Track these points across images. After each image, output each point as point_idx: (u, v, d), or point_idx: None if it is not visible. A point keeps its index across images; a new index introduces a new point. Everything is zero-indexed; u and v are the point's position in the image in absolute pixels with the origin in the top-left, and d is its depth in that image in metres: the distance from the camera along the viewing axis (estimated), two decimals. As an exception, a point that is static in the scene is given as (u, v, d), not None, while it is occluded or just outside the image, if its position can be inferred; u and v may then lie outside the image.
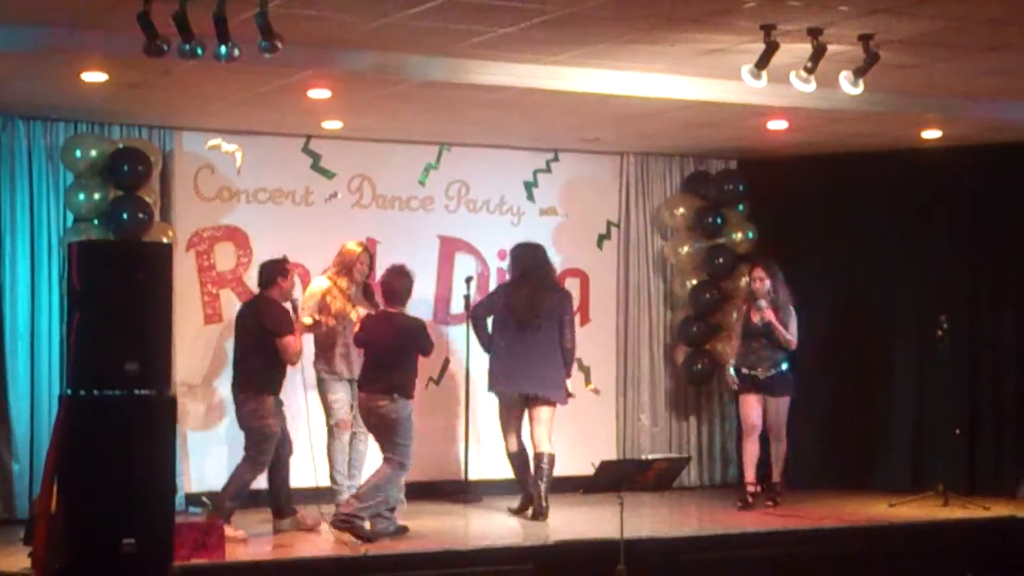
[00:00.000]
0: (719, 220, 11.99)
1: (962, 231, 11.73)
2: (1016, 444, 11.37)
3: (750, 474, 10.82)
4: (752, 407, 10.85)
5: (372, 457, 9.92)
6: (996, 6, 7.53)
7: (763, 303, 10.74)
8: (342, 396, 10.00)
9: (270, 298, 9.65)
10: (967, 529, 10.17)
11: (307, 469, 10.13)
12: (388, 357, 9.40)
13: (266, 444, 9.44)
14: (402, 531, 9.47)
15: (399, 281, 9.51)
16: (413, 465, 10.20)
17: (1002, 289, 11.63)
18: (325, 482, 10.05)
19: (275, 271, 9.70)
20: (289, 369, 9.71)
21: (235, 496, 9.44)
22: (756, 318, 10.76)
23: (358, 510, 9.15)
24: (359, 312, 9.92)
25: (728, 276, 11.89)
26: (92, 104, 9.75)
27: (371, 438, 9.79)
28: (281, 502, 9.66)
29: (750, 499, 10.73)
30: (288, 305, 9.69)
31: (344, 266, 10.03)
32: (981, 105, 10.21)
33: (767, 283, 10.80)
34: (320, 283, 10.12)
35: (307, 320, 9.86)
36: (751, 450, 10.86)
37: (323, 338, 9.98)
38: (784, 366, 10.81)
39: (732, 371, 10.94)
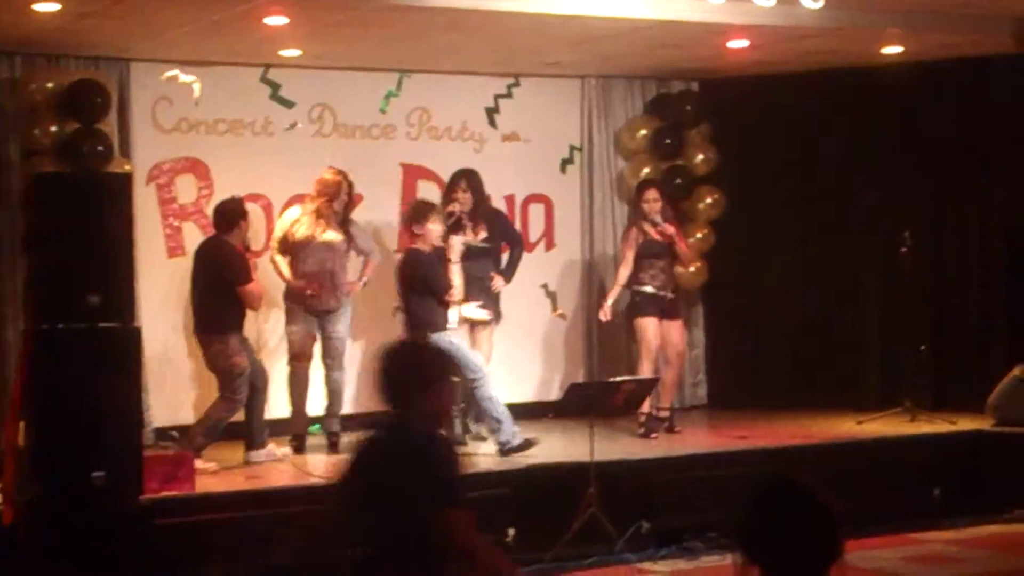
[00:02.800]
0: (677, 142, 11.93)
1: (924, 147, 11.72)
2: (980, 359, 11.42)
3: (649, 401, 10.29)
4: (656, 330, 10.58)
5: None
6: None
7: (659, 219, 10.63)
8: (298, 327, 9.99)
9: (227, 243, 9.55)
10: (934, 444, 10.25)
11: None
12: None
13: (237, 383, 9.39)
14: (531, 443, 9.52)
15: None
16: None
17: (964, 205, 11.65)
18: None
19: (237, 214, 9.62)
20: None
21: (207, 432, 9.42)
22: (658, 235, 10.66)
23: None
24: (327, 239, 9.88)
25: (686, 198, 11.83)
26: (45, 35, 9.60)
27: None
28: (253, 434, 9.64)
29: (652, 425, 10.51)
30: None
31: (326, 195, 9.97)
32: (940, 19, 10.18)
33: (660, 204, 10.70)
34: (290, 213, 10.10)
35: (276, 258, 9.93)
36: (651, 373, 10.41)
37: (289, 268, 9.94)
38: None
39: (608, 303, 10.66)
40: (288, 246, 10.00)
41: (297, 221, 9.97)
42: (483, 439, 10.17)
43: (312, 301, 9.93)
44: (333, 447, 10.06)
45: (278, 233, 10.12)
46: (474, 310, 10.17)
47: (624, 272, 10.73)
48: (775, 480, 3.49)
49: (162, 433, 10.27)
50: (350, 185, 10.15)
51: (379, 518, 4.53)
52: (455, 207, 10.20)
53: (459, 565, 4.50)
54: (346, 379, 10.32)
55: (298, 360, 10.02)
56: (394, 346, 4.98)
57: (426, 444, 4.62)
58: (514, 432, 9.58)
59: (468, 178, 10.36)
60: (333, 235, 10.00)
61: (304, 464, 9.47)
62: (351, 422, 10.54)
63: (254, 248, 10.85)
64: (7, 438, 7.81)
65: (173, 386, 10.58)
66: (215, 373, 9.48)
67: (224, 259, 9.47)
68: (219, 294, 9.43)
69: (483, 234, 10.32)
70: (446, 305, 9.69)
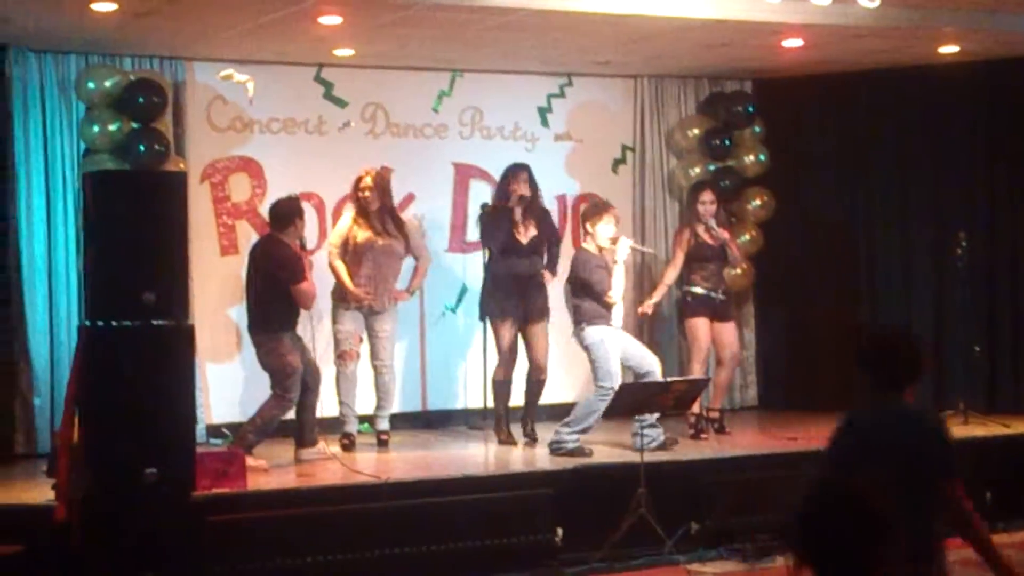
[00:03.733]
0: (727, 142, 11.90)
1: (979, 148, 11.64)
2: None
3: (700, 401, 10.24)
4: (708, 330, 10.59)
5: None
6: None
7: (714, 223, 10.62)
8: (348, 327, 10.03)
9: (283, 242, 9.54)
10: (987, 447, 10.14)
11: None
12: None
13: (290, 381, 9.40)
14: (582, 452, 9.58)
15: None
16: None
17: (1020, 207, 11.55)
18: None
19: (293, 212, 9.59)
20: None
21: (259, 430, 9.43)
22: (711, 239, 10.62)
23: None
24: (384, 241, 9.97)
25: (735, 199, 11.80)
26: (102, 35, 9.69)
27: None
28: (304, 432, 9.67)
29: (702, 426, 10.50)
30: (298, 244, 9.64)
31: (354, 192, 10.07)
32: (998, 17, 10.10)
33: (715, 206, 10.67)
34: (344, 220, 10.15)
35: (335, 263, 10.00)
36: (703, 374, 10.43)
37: (345, 267, 10.01)
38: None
39: (651, 301, 10.73)
40: (347, 250, 10.02)
41: (355, 224, 9.99)
42: (532, 441, 10.21)
43: (367, 303, 9.97)
44: (383, 445, 10.11)
45: (335, 239, 10.12)
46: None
47: (672, 272, 10.72)
48: (829, 480, 3.48)
49: (214, 430, 10.35)
50: (382, 179, 10.13)
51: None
52: (522, 193, 10.20)
53: (962, 531, 4.93)
54: (395, 377, 10.37)
55: (346, 359, 10.06)
56: (890, 334, 5.55)
57: (930, 419, 5.12)
58: (576, 439, 9.60)
59: (527, 171, 10.36)
60: (393, 240, 10.06)
61: (354, 463, 9.48)
62: (400, 420, 10.62)
63: (309, 247, 10.91)
64: (62, 435, 7.90)
65: (225, 384, 10.65)
66: (268, 371, 9.50)
67: (279, 258, 9.48)
68: (273, 293, 9.44)
69: (533, 231, 10.32)
70: (607, 306, 9.72)
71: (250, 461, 8.95)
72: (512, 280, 10.17)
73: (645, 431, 9.04)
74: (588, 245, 9.85)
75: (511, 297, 10.18)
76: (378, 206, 10.06)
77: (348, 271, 10.03)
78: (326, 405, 10.12)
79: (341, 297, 10.06)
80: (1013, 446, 10.18)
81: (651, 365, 9.79)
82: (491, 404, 10.62)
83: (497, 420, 10.33)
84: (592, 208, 10.01)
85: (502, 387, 10.31)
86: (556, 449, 9.62)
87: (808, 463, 7.11)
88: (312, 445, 9.63)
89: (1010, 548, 8.86)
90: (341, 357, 10.07)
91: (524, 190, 10.22)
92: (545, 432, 10.12)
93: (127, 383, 7.69)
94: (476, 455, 10.18)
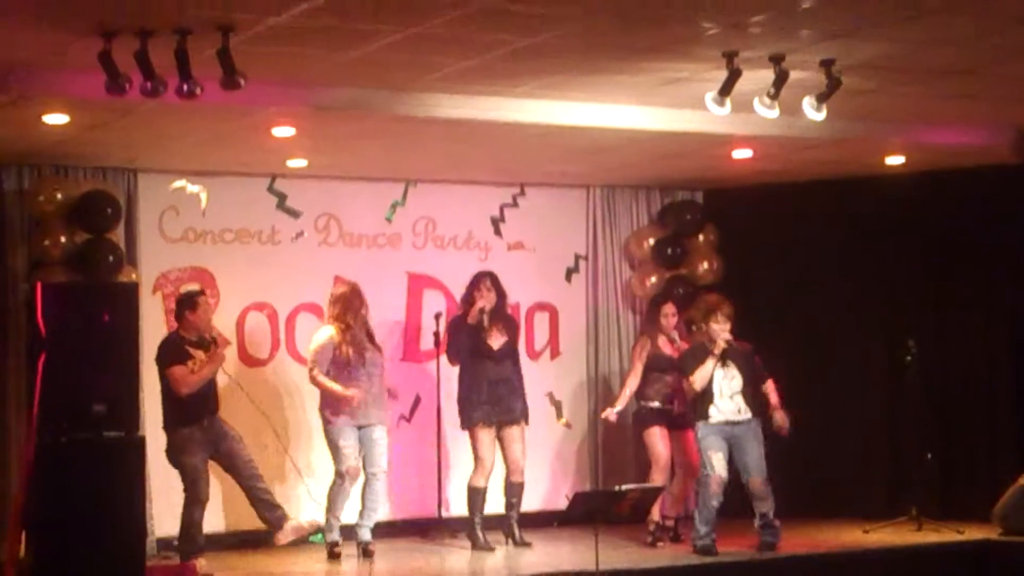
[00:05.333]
0: (679, 250, 12.00)
1: (928, 255, 11.77)
2: (988, 466, 11.37)
3: (657, 510, 10.30)
4: (664, 440, 10.53)
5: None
6: (955, 28, 7.56)
7: (676, 335, 10.68)
8: (351, 442, 9.95)
9: (169, 333, 9.66)
10: (941, 554, 10.16)
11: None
12: None
13: (188, 479, 9.36)
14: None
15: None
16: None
17: (969, 313, 11.65)
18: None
19: (181, 306, 9.66)
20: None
21: (187, 536, 9.37)
22: (672, 351, 10.66)
23: None
24: (370, 354, 10.00)
25: (688, 306, 11.84)
26: (54, 147, 9.68)
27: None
28: (266, 514, 9.56)
29: (658, 534, 10.45)
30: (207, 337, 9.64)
31: (340, 309, 10.00)
32: (943, 130, 10.27)
33: (676, 319, 10.73)
34: (326, 332, 10.06)
35: (321, 379, 9.90)
36: (664, 483, 10.39)
37: (333, 381, 9.93)
38: None
39: (615, 409, 10.64)
40: (340, 365, 9.96)
41: (342, 342, 9.96)
42: (528, 545, 10.21)
43: (361, 412, 9.94)
44: (368, 556, 9.97)
45: (320, 356, 9.95)
46: None
47: (633, 382, 10.72)
48: None
49: (165, 543, 10.22)
50: (360, 293, 10.15)
51: None
52: (483, 304, 10.24)
53: None
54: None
55: (352, 475, 9.96)
56: None
57: None
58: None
59: (491, 278, 10.41)
60: (377, 351, 10.08)
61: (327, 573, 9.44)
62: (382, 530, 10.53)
63: (260, 356, 10.91)
64: (9, 548, 7.80)
65: (175, 495, 10.52)
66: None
67: (158, 349, 9.50)
68: (164, 388, 9.45)
69: (503, 336, 10.35)
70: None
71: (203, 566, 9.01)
72: (487, 386, 10.20)
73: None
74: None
75: (487, 403, 10.21)
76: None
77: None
78: (306, 513, 10.19)
79: (335, 412, 9.96)
80: (967, 552, 10.17)
81: None
82: (446, 514, 10.58)
83: (471, 529, 10.28)
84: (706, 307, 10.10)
85: (479, 494, 10.29)
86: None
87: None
88: (283, 521, 9.49)
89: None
90: (347, 473, 9.94)
91: (488, 298, 10.27)
92: (502, 539, 10.17)
93: (77, 496, 7.62)
94: (430, 565, 10.09)
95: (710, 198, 12.36)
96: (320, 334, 10.09)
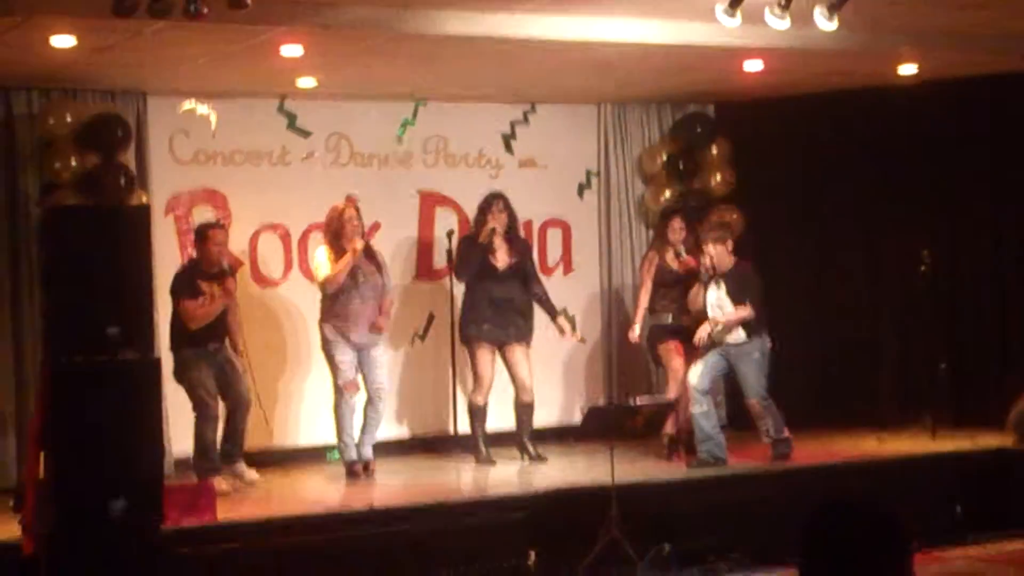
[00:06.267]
0: (691, 164, 11.96)
1: (941, 166, 11.71)
2: (1000, 375, 11.40)
3: (671, 424, 10.39)
4: (679, 353, 10.57)
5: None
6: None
7: (682, 249, 10.68)
8: (347, 357, 10.00)
9: (184, 264, 9.90)
10: (956, 461, 10.20)
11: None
12: None
13: (196, 397, 9.54)
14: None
15: None
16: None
17: (981, 222, 11.64)
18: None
19: (197, 237, 9.85)
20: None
21: (203, 454, 9.53)
22: (678, 265, 10.67)
23: None
24: (364, 274, 10.01)
25: (704, 218, 11.82)
26: (62, 70, 9.66)
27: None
28: (202, 463, 9.64)
29: (673, 447, 10.45)
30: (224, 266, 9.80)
31: (331, 229, 10.01)
32: (956, 39, 10.18)
33: (685, 233, 10.72)
34: (320, 254, 10.11)
35: (332, 271, 9.93)
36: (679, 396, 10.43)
37: (329, 299, 9.97)
38: None
39: (635, 329, 10.72)
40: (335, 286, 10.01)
41: (334, 260, 9.98)
42: (543, 460, 10.27)
43: (357, 334, 9.98)
44: (369, 473, 10.08)
45: (326, 272, 10.01)
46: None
47: (645, 297, 10.78)
48: (835, 497, 3.41)
49: (182, 463, 10.29)
50: (357, 211, 10.13)
51: None
52: (495, 224, 10.27)
53: None
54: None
55: (351, 388, 10.03)
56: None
57: None
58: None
59: (504, 199, 10.42)
60: (374, 273, 10.07)
61: (339, 491, 9.51)
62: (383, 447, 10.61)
63: (275, 277, 10.93)
64: (28, 470, 7.86)
65: (192, 416, 10.58)
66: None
67: (174, 277, 9.75)
68: (174, 312, 9.69)
69: (511, 257, 10.38)
70: None
71: (239, 474, 9.41)
72: (489, 304, 10.26)
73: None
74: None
75: (488, 321, 10.25)
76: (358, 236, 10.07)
77: (329, 307, 10.00)
78: (318, 434, 10.30)
79: (335, 327, 10.00)
80: (981, 460, 10.22)
81: None
82: (461, 430, 10.65)
83: (475, 443, 10.37)
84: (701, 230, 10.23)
85: (480, 411, 10.37)
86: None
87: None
88: (212, 475, 9.51)
89: (980, 562, 8.94)
90: (346, 387, 10.02)
91: (499, 219, 10.28)
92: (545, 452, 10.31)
93: (93, 417, 7.64)
94: (448, 480, 10.22)
95: (722, 111, 12.29)
96: (318, 253, 10.17)
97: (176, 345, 9.64)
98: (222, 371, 9.68)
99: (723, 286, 9.89)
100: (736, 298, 9.89)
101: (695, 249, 10.67)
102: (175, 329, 9.63)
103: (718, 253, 9.92)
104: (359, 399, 10.12)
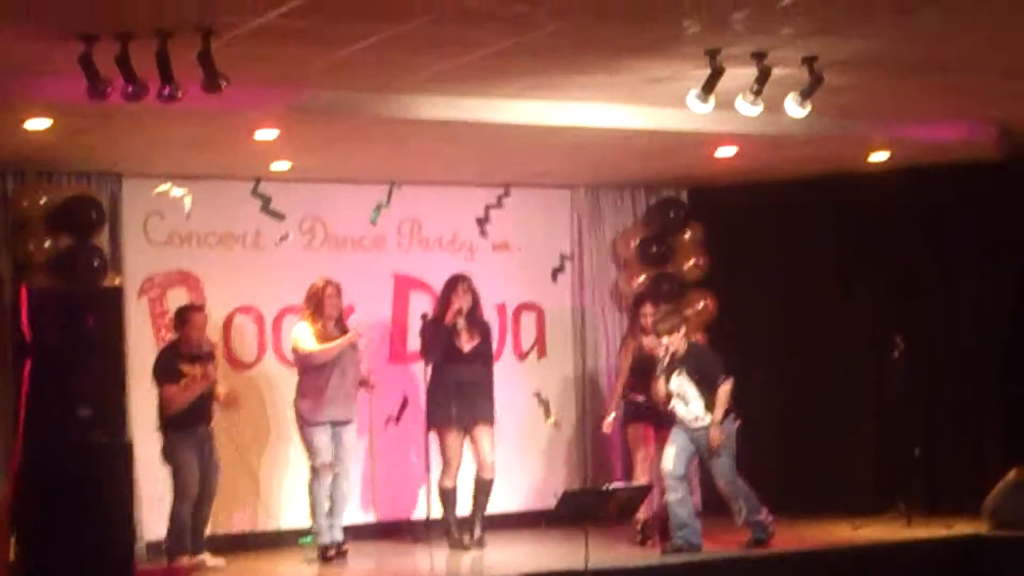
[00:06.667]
0: (664, 248, 12.00)
1: (914, 252, 11.77)
2: (976, 461, 11.39)
3: (645, 509, 10.21)
4: (647, 437, 10.61)
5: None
6: (935, 23, 7.56)
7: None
8: (326, 438, 9.96)
9: (164, 347, 9.82)
10: (931, 549, 10.17)
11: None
12: None
13: (179, 478, 9.50)
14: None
15: None
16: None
17: (956, 307, 11.68)
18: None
19: (177, 320, 9.82)
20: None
21: (177, 535, 9.47)
22: (655, 351, 10.68)
23: None
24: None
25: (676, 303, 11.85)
26: (36, 152, 9.65)
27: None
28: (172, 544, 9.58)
29: (647, 532, 10.45)
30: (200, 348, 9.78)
31: (312, 304, 10.02)
32: (926, 126, 10.28)
33: (655, 318, 10.75)
34: (301, 329, 10.08)
35: (323, 345, 9.92)
36: (646, 480, 10.44)
37: (311, 374, 9.94)
38: None
39: (609, 418, 10.77)
40: (306, 363, 9.98)
41: (316, 335, 9.96)
42: (482, 546, 10.20)
43: (335, 410, 9.95)
44: (341, 556, 10.01)
45: (308, 334, 10.00)
46: None
47: (619, 384, 10.82)
48: None
49: (154, 547, 10.19)
50: (338, 289, 10.14)
51: None
52: (460, 305, 10.29)
53: None
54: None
55: (327, 470, 9.98)
56: None
57: None
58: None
59: (468, 281, 10.45)
60: (355, 349, 10.09)
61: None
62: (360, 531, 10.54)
63: (246, 359, 10.90)
64: (-2, 553, 7.78)
65: (165, 499, 10.50)
66: None
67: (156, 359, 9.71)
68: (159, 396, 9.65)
69: (476, 339, 10.39)
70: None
71: (202, 564, 9.32)
72: (455, 387, 10.24)
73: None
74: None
75: (455, 405, 10.23)
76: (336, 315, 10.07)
77: (308, 384, 9.97)
78: (288, 518, 10.31)
79: (311, 410, 9.97)
80: (957, 547, 10.18)
81: None
82: (435, 514, 10.58)
83: (447, 528, 10.32)
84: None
85: (450, 494, 10.35)
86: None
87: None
88: (178, 558, 9.49)
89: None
90: (322, 468, 9.96)
91: (464, 300, 10.30)
92: (493, 539, 10.18)
93: (64, 500, 7.60)
94: (420, 567, 10.13)
95: (695, 196, 12.36)
96: (298, 327, 10.14)
97: (165, 426, 9.57)
98: (202, 457, 9.64)
99: (683, 371, 9.89)
100: (698, 378, 9.87)
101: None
102: (162, 411, 9.59)
103: (673, 342, 9.93)
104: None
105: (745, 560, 9.74)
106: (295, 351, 10.09)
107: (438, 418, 10.33)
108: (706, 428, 9.83)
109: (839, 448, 11.92)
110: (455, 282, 10.45)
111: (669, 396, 9.95)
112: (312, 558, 9.97)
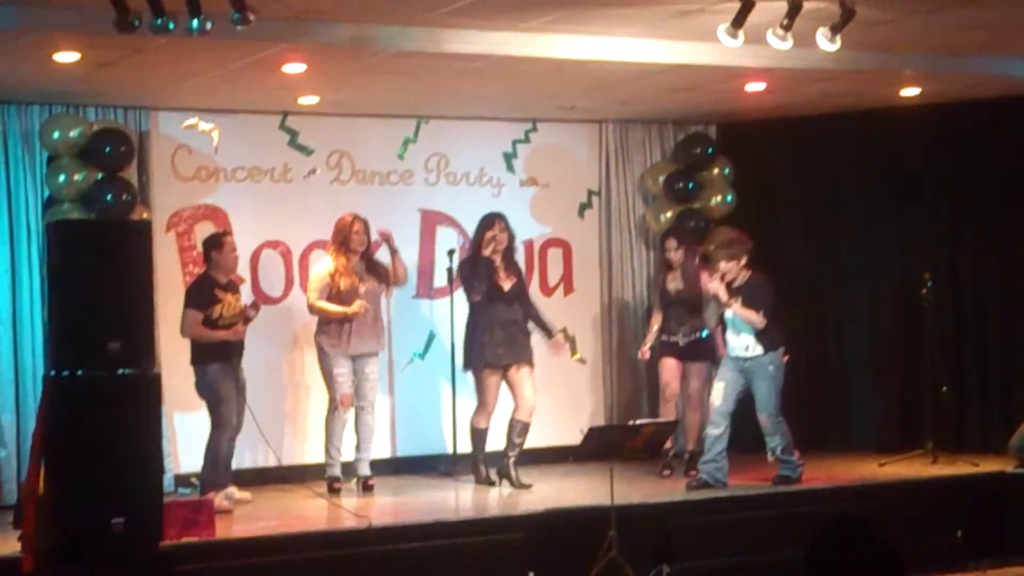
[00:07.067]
0: (691, 185, 11.95)
1: (942, 188, 11.72)
2: (1002, 400, 11.38)
3: (672, 441, 10.35)
4: (672, 372, 10.72)
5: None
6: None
7: (679, 268, 10.74)
8: (345, 370, 10.00)
9: (200, 274, 9.87)
10: (957, 486, 10.17)
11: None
12: None
13: (220, 410, 9.55)
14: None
15: None
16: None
17: (984, 246, 11.62)
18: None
19: (208, 246, 9.83)
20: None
21: (215, 466, 9.53)
22: (672, 286, 10.71)
23: None
24: (366, 286, 10.02)
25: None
26: (65, 86, 9.67)
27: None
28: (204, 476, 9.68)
29: (669, 462, 10.59)
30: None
31: (338, 239, 10.03)
32: (958, 61, 10.19)
33: (680, 252, 10.73)
34: (324, 264, 10.12)
35: (320, 304, 9.99)
36: (671, 415, 10.66)
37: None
38: (704, 333, 10.69)
39: (645, 346, 10.83)
40: (332, 296, 10.01)
41: (336, 272, 10.00)
42: (526, 487, 10.15)
43: (356, 343, 9.99)
44: (368, 490, 10.07)
45: (316, 285, 10.09)
46: None
47: (658, 316, 10.87)
48: (838, 520, 3.40)
49: (182, 479, 10.28)
50: (365, 225, 10.15)
51: None
52: (496, 244, 10.25)
53: None
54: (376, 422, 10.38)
55: (347, 402, 10.05)
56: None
57: None
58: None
59: (504, 220, 10.40)
60: (374, 283, 10.11)
61: (337, 507, 9.48)
62: (380, 466, 10.59)
63: (275, 295, 10.92)
64: (28, 485, 7.84)
65: (193, 433, 10.57)
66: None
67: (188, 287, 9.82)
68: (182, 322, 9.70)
69: (513, 278, 10.37)
70: None
71: (230, 496, 9.31)
72: (499, 327, 10.20)
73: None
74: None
75: (499, 345, 10.20)
76: (362, 251, 10.08)
77: (329, 317, 10.03)
78: (310, 452, 10.32)
79: (331, 343, 10.02)
80: (982, 484, 10.19)
81: None
82: (460, 450, 10.62)
83: (475, 464, 10.36)
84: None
85: (482, 434, 10.36)
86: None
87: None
88: (212, 491, 9.51)
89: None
90: (342, 401, 10.02)
91: (502, 238, 10.26)
92: (528, 478, 10.19)
93: (93, 433, 7.64)
94: (446, 500, 10.18)
95: (724, 132, 12.30)
96: (318, 265, 10.22)
97: (200, 359, 9.59)
98: (237, 389, 9.68)
99: (738, 300, 9.87)
100: (750, 307, 9.87)
101: (704, 267, 10.65)
102: (198, 343, 9.59)
103: (730, 269, 9.90)
104: (350, 415, 10.12)
105: (771, 496, 9.75)
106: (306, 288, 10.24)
107: (478, 358, 10.28)
108: (755, 358, 9.81)
109: (866, 386, 11.92)
110: (492, 219, 10.38)
111: (721, 323, 9.96)
112: (321, 491, 9.99)
